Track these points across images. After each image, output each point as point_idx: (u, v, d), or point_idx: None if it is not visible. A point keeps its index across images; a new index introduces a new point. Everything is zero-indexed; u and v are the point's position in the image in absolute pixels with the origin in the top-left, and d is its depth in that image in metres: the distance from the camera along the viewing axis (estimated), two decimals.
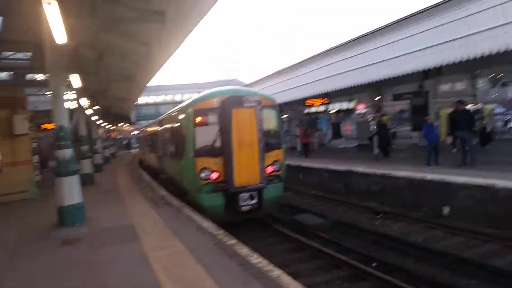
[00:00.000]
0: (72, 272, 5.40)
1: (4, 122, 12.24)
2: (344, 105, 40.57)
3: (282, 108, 24.83)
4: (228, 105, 9.05)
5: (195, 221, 7.73)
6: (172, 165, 12.07)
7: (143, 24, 9.65)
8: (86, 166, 15.65)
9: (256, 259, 5.21)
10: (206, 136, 9.32)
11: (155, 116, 45.12)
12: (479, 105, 21.86)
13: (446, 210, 9.79)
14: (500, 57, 11.78)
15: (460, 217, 9.36)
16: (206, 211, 8.79)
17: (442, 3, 11.21)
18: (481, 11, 10.08)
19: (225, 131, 9.03)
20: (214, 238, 6.36)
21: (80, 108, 16.87)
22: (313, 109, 33.18)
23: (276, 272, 4.69)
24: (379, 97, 21.38)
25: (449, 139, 13.21)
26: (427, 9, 11.77)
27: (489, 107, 24.47)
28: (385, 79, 14.09)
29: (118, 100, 24.50)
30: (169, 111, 15.68)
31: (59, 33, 6.64)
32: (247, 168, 9.07)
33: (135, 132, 56.13)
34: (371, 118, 23.55)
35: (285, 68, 22.41)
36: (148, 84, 20.57)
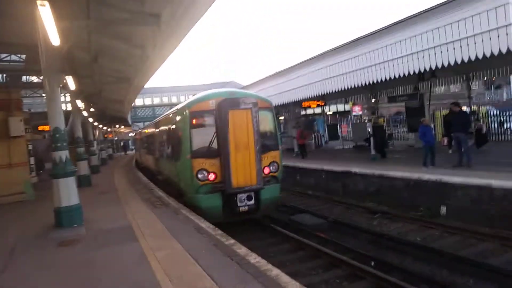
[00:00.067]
0: (69, 273, 5.37)
1: None
2: (341, 107, 40.78)
3: (278, 110, 24.92)
4: (224, 107, 9.07)
5: (193, 221, 7.72)
6: (169, 167, 12.06)
7: (137, 27, 9.64)
8: (83, 167, 15.60)
9: (254, 258, 5.20)
10: (203, 137, 9.34)
11: (151, 118, 45.14)
12: (474, 107, 22.01)
13: (443, 210, 9.85)
14: (493, 60, 11.92)
15: (456, 217, 9.42)
16: (203, 212, 8.78)
17: (436, 7, 11.27)
18: (474, 15, 10.15)
19: (222, 133, 9.04)
20: (212, 238, 6.35)
21: (76, 110, 16.82)
22: (309, 111, 33.31)
23: (275, 271, 4.69)
24: (375, 99, 21.44)
25: (445, 141, 13.32)
26: (422, 12, 11.83)
27: (484, 108, 24.68)
28: (380, 81, 14.14)
29: (114, 102, 24.45)
30: (166, 113, 15.68)
31: (53, 35, 6.63)
32: (244, 169, 9.10)
33: (132, 134, 56.04)
34: (367, 120, 23.64)
35: (282, 70, 22.41)
36: (144, 86, 20.55)
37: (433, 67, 11.73)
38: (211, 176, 9.18)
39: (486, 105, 30.75)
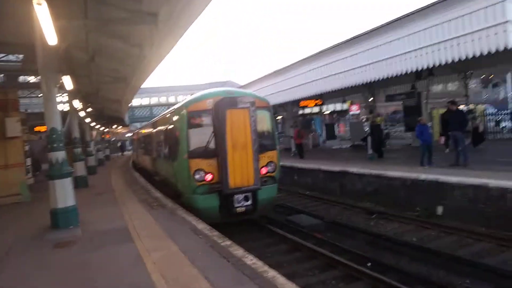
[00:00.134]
0: (65, 275, 5.35)
1: None
2: (338, 106, 40.83)
3: (276, 109, 24.93)
4: (222, 107, 9.04)
5: (189, 222, 7.70)
6: (166, 167, 12.03)
7: (135, 26, 9.60)
8: (80, 168, 15.55)
9: (251, 260, 5.19)
10: (200, 137, 9.32)
11: (149, 118, 45.06)
12: (471, 106, 22.05)
13: (439, 209, 9.86)
14: (490, 58, 11.94)
15: (453, 217, 9.43)
16: (200, 213, 8.76)
17: (433, 5, 11.28)
18: (472, 12, 10.15)
19: (219, 133, 9.02)
20: (209, 239, 6.34)
21: (73, 110, 16.75)
22: (307, 110, 33.34)
23: (271, 273, 4.68)
24: (372, 98, 21.48)
25: (442, 140, 13.34)
26: (419, 11, 11.84)
27: (481, 107, 24.75)
28: (377, 80, 14.16)
29: (111, 102, 24.38)
30: (163, 113, 15.65)
31: (50, 34, 6.59)
32: (242, 170, 9.07)
33: (129, 134, 55.92)
34: (365, 119, 23.67)
35: (279, 70, 22.41)
36: (142, 86, 20.49)
37: (430, 65, 11.75)
38: (208, 177, 9.16)
39: (483, 104, 30.84)
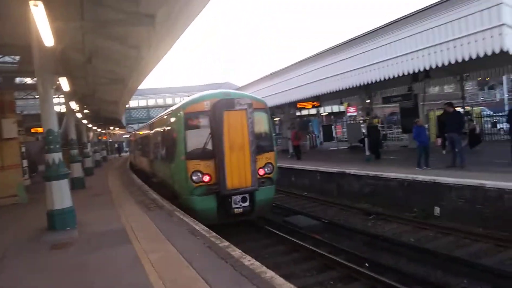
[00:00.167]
0: (62, 277, 5.32)
1: None
2: (335, 108, 40.94)
3: (274, 111, 24.92)
4: (219, 108, 9.05)
5: (187, 224, 7.68)
6: (164, 168, 12.01)
7: (132, 27, 9.58)
8: (76, 170, 15.49)
9: (249, 260, 5.18)
10: (198, 139, 9.32)
11: (146, 120, 44.96)
12: (467, 108, 22.17)
13: (436, 210, 9.89)
14: (486, 61, 11.98)
15: (450, 218, 9.46)
16: (198, 214, 8.74)
17: (429, 7, 11.32)
18: (468, 15, 10.20)
19: (216, 134, 9.02)
20: (207, 240, 6.32)
21: (70, 112, 16.71)
22: (304, 112, 33.39)
23: (269, 274, 4.67)
24: (369, 100, 21.51)
25: (439, 141, 13.38)
26: (416, 13, 11.88)
27: (477, 109, 24.88)
28: (374, 82, 14.18)
29: (108, 104, 24.34)
30: (160, 114, 15.63)
31: (46, 36, 6.58)
32: (239, 171, 9.08)
33: (126, 136, 55.77)
34: (362, 120, 23.72)
35: (277, 71, 22.42)
36: (139, 88, 20.46)
37: (427, 68, 11.77)
38: (206, 178, 9.15)
39: (479, 106, 30.99)
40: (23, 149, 17.13)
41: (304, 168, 16.36)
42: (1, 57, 16.09)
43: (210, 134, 9.21)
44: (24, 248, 6.96)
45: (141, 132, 22.18)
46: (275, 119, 29.85)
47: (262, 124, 10.09)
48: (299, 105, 23.13)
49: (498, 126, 22.13)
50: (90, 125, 27.44)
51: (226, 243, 6.08)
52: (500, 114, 22.19)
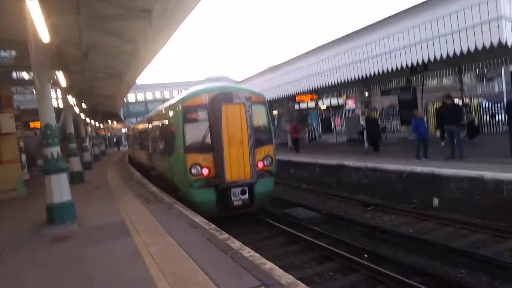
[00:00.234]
0: (62, 270, 5.33)
1: None
2: (334, 101, 40.90)
3: (272, 104, 24.88)
4: (218, 102, 9.04)
5: (186, 216, 7.70)
6: (163, 162, 12.01)
7: (128, 22, 9.53)
8: (75, 164, 15.48)
9: (248, 252, 5.20)
10: (196, 132, 9.32)
11: (144, 114, 44.89)
12: (466, 100, 22.13)
13: (435, 201, 9.92)
14: (485, 53, 11.95)
15: (449, 209, 9.50)
16: (197, 207, 8.77)
17: (428, 0, 11.28)
18: (466, 7, 10.18)
19: (215, 127, 9.02)
20: (206, 232, 6.34)
21: (68, 106, 16.66)
22: (303, 105, 33.34)
23: (269, 265, 4.69)
24: (368, 92, 21.47)
25: (438, 133, 13.40)
26: (414, 6, 11.84)
27: (476, 101, 24.85)
28: (373, 75, 14.15)
29: (106, 98, 24.29)
30: (159, 108, 15.59)
31: (42, 30, 6.54)
32: (238, 164, 9.10)
33: (125, 130, 55.72)
34: (360, 113, 23.72)
35: (275, 65, 22.38)
36: (136, 82, 20.40)
37: (425, 60, 11.75)
38: (205, 171, 9.17)
39: (478, 98, 30.95)
40: (22, 144, 17.11)
41: (303, 161, 16.38)
42: None
43: (208, 128, 9.21)
44: (23, 241, 6.97)
45: (139, 126, 22.14)
46: (274, 112, 29.82)
47: (260, 117, 10.09)
48: (297, 98, 23.10)
49: (497, 117, 22.12)
50: (88, 120, 27.39)
51: (226, 235, 6.10)
52: (498, 106, 22.16)
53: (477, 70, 22.85)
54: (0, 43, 12.24)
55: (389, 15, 13.06)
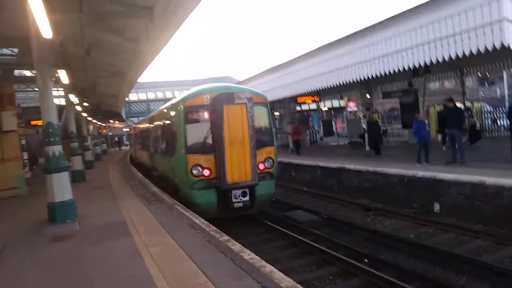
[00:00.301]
0: (62, 269, 5.34)
1: None
2: (336, 103, 40.84)
3: (274, 105, 24.88)
4: (219, 102, 9.03)
5: (187, 217, 7.70)
6: (164, 162, 12.01)
7: (130, 19, 9.56)
8: (77, 162, 15.50)
9: (248, 254, 5.20)
10: (198, 133, 9.32)
11: (146, 113, 44.91)
12: (468, 103, 22.13)
13: (436, 206, 9.89)
14: (487, 56, 11.93)
15: (450, 214, 9.46)
16: (198, 208, 8.76)
17: (431, 1, 11.26)
18: (468, 9, 10.15)
19: (216, 128, 9.01)
20: (207, 234, 6.33)
21: (70, 105, 16.68)
22: (304, 107, 33.29)
23: (269, 268, 4.69)
24: (369, 95, 21.45)
25: (439, 137, 13.35)
26: (416, 7, 11.82)
27: (478, 105, 24.81)
28: (375, 77, 14.13)
29: (108, 97, 24.32)
30: (161, 108, 15.61)
31: (44, 28, 6.54)
32: (239, 165, 9.08)
33: (126, 129, 55.76)
34: (362, 116, 23.70)
35: (277, 66, 22.35)
36: (139, 81, 20.44)
37: (428, 62, 11.72)
38: (206, 172, 9.16)
39: (479, 102, 30.92)
40: (23, 142, 17.13)
41: (304, 163, 16.36)
42: (0, 50, 16.02)
43: (210, 128, 9.20)
44: (24, 240, 6.99)
45: (141, 126, 22.16)
46: (275, 113, 29.83)
47: (262, 118, 10.08)
48: (299, 99, 23.08)
49: (499, 122, 22.10)
50: (90, 118, 27.43)
51: (226, 237, 6.10)
52: (501, 110, 22.14)
53: (479, 73, 22.80)
54: (2, 40, 12.29)
55: (391, 16, 13.05)
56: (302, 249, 8.15)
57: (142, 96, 62.66)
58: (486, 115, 22.04)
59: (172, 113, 10.60)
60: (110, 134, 56.97)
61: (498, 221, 8.32)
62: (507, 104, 28.52)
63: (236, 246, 5.60)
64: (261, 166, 9.65)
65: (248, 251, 5.38)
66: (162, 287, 4.33)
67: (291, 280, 4.32)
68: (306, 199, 13.66)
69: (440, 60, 11.12)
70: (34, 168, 20.76)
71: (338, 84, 15.94)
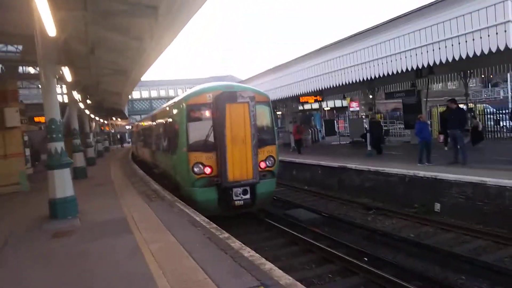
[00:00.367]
0: (63, 265, 5.37)
1: None
2: (338, 103, 40.83)
3: (276, 104, 24.88)
4: (221, 101, 9.05)
5: (188, 215, 7.72)
6: (166, 160, 12.05)
7: (134, 18, 9.55)
8: (79, 159, 15.54)
9: (248, 252, 5.22)
10: (200, 131, 9.35)
11: (148, 111, 44.98)
12: (471, 105, 22.07)
13: (437, 206, 9.90)
14: (491, 58, 11.92)
15: (451, 214, 9.47)
16: (199, 206, 8.79)
17: (435, 3, 11.25)
18: (473, 11, 10.14)
19: (218, 126, 9.03)
20: (207, 231, 6.35)
21: (73, 102, 16.73)
22: (307, 106, 33.29)
23: (268, 265, 4.70)
24: (372, 95, 21.44)
25: (441, 138, 13.34)
26: (421, 8, 11.80)
27: (480, 106, 24.77)
28: (378, 77, 14.13)
29: (111, 94, 24.35)
30: (163, 106, 15.64)
31: (49, 25, 6.57)
32: (241, 164, 9.10)
33: (129, 127, 55.87)
34: (364, 115, 23.68)
35: (279, 65, 22.35)
36: (142, 79, 20.46)
37: (431, 64, 11.72)
38: (207, 170, 9.19)
39: (482, 103, 30.86)
40: (26, 138, 17.20)
41: (306, 162, 16.37)
42: (4, 46, 16.09)
43: (212, 127, 9.23)
44: (25, 236, 7.01)
45: (143, 123, 22.21)
46: (277, 112, 29.83)
47: (264, 117, 10.09)
48: (301, 99, 23.08)
49: (501, 123, 22.05)
50: (92, 116, 27.50)
51: (226, 235, 6.12)
52: (503, 111, 22.08)
53: (483, 75, 22.74)
54: (7, 37, 12.34)
55: (395, 17, 13.04)
56: (302, 247, 8.17)
57: (145, 94, 62.71)
58: (488, 116, 21.98)
59: (175, 111, 10.63)
60: (113, 131, 57.10)
61: (499, 221, 8.34)
62: (510, 105, 28.47)
63: (236, 244, 5.62)
64: (262, 165, 9.67)
65: (248, 249, 5.40)
66: (162, 284, 4.34)
67: (290, 278, 4.34)
68: (307, 197, 13.68)
69: (444, 61, 11.12)
70: (37, 164, 20.83)
71: (341, 84, 15.95)
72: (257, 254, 5.16)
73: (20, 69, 19.95)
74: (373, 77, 14.24)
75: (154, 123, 15.76)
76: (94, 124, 30.90)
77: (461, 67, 17.78)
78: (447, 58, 10.94)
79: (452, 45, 10.77)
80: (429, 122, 17.18)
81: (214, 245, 5.62)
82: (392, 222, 9.88)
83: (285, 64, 21.68)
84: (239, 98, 9.14)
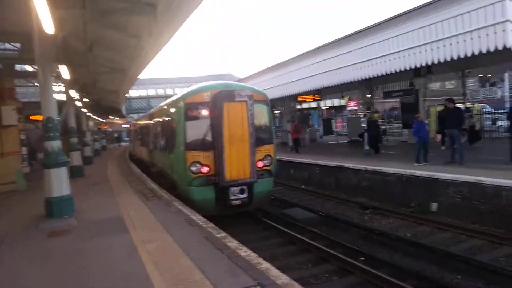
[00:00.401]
0: (59, 264, 5.36)
1: None
2: (336, 102, 40.85)
3: (274, 103, 24.87)
4: (219, 99, 9.03)
5: (184, 214, 7.72)
6: (163, 159, 12.03)
7: (133, 16, 9.53)
8: (76, 158, 15.52)
9: (245, 251, 5.22)
10: (197, 130, 9.32)
11: (146, 110, 44.88)
12: (468, 104, 22.14)
13: (434, 206, 9.92)
14: (489, 57, 11.94)
15: (447, 213, 9.50)
16: (196, 205, 8.78)
17: (432, 2, 11.26)
18: (471, 10, 10.15)
19: (216, 125, 9.02)
20: (204, 231, 6.35)
21: (70, 100, 16.68)
22: (305, 105, 33.31)
23: (265, 265, 4.71)
24: (370, 94, 21.47)
25: (438, 137, 13.36)
26: (419, 8, 11.81)
27: (478, 106, 24.83)
28: (376, 76, 14.14)
29: (109, 93, 24.28)
30: (161, 105, 15.61)
31: (47, 23, 6.54)
32: (238, 162, 9.09)
33: (126, 125, 55.75)
34: (362, 115, 23.73)
35: (278, 64, 22.35)
36: (139, 77, 20.42)
37: (429, 63, 11.74)
38: (205, 169, 9.17)
39: (480, 102, 30.91)
40: (23, 137, 17.14)
41: (303, 161, 16.38)
42: (2, 44, 16.02)
43: (210, 125, 9.21)
44: (21, 234, 6.99)
45: (141, 122, 22.17)
46: (275, 111, 29.83)
47: (262, 116, 10.08)
48: (299, 98, 23.10)
49: (498, 123, 22.13)
50: (90, 114, 27.42)
51: (223, 234, 6.12)
52: (501, 111, 22.15)
53: (480, 74, 22.81)
54: (5, 35, 12.28)
55: (394, 16, 13.06)
56: (299, 247, 8.17)
57: (143, 92, 62.57)
58: (486, 116, 22.05)
59: (172, 110, 10.61)
60: (110, 130, 56.97)
61: (495, 221, 8.36)
62: (507, 105, 28.54)
63: (233, 243, 5.62)
64: (260, 164, 9.67)
65: (245, 248, 5.40)
66: (158, 283, 4.34)
67: (287, 277, 4.34)
68: (304, 197, 13.68)
69: (442, 60, 11.13)
70: (33, 163, 20.77)
71: (339, 83, 15.97)
72: (254, 254, 5.17)
73: (17, 66, 19.86)
74: (371, 76, 14.26)
75: (152, 121, 15.73)
76: (91, 122, 30.81)
77: (459, 67, 17.83)
78: (445, 58, 10.97)
79: (451, 44, 10.78)
80: (427, 121, 17.17)
81: (211, 244, 5.62)
82: (389, 221, 9.90)
83: (283, 62, 21.69)
84: (237, 97, 9.13)
